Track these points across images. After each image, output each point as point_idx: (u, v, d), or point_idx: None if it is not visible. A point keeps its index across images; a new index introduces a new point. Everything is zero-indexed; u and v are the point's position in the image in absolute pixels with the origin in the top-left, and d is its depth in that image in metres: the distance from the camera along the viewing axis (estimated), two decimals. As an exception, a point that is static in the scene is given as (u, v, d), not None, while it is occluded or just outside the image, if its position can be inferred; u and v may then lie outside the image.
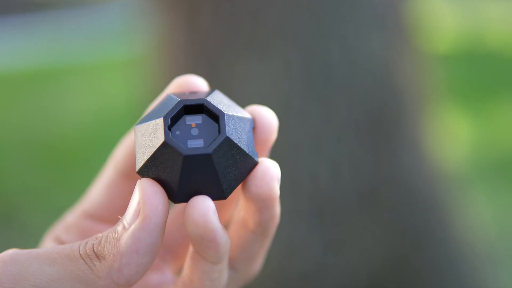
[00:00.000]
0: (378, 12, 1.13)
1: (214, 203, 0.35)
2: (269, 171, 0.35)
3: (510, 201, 1.85)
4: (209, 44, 1.11)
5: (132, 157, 0.39)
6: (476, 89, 2.64)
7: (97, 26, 3.94)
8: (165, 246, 0.42)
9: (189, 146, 0.34)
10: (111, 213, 0.41)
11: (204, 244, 0.34)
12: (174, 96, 0.36)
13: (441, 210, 1.19)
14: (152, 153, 0.34)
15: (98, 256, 0.34)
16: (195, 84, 0.39)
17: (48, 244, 0.40)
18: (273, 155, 0.45)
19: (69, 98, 2.90)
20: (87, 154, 2.37)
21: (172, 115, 0.34)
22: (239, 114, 0.36)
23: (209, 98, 0.36)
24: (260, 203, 0.36)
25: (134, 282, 0.34)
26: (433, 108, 1.24)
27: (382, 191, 1.12)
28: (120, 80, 2.85)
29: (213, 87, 1.24)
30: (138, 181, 0.35)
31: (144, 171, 0.35)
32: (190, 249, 0.36)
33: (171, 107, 0.35)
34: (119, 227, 0.34)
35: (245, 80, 1.08)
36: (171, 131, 0.34)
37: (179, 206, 0.42)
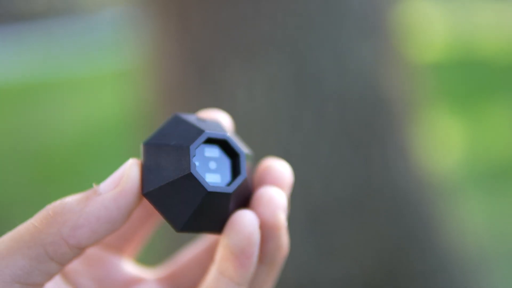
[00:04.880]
0: (369, 20, 1.13)
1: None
2: (274, 200, 0.35)
3: (503, 206, 1.85)
4: (200, 52, 1.10)
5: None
6: (467, 95, 2.65)
7: (87, 36, 3.93)
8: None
9: (207, 180, 0.34)
10: None
11: (239, 260, 0.33)
12: (190, 122, 0.36)
13: (432, 217, 1.19)
14: (171, 180, 0.34)
15: (53, 214, 0.33)
16: None
17: None
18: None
19: (60, 110, 2.89)
20: (78, 166, 2.36)
21: (197, 146, 0.34)
22: (247, 151, 0.36)
23: (229, 134, 0.36)
24: (265, 232, 0.35)
25: (82, 247, 0.33)
26: (424, 115, 1.24)
27: (374, 198, 1.12)
28: (111, 90, 2.84)
29: (204, 94, 1.22)
30: (130, 160, 0.34)
31: (154, 195, 0.34)
32: (213, 271, 0.35)
33: (195, 136, 0.34)
34: (89, 192, 0.34)
35: (237, 88, 1.08)
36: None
37: (208, 242, 0.40)
